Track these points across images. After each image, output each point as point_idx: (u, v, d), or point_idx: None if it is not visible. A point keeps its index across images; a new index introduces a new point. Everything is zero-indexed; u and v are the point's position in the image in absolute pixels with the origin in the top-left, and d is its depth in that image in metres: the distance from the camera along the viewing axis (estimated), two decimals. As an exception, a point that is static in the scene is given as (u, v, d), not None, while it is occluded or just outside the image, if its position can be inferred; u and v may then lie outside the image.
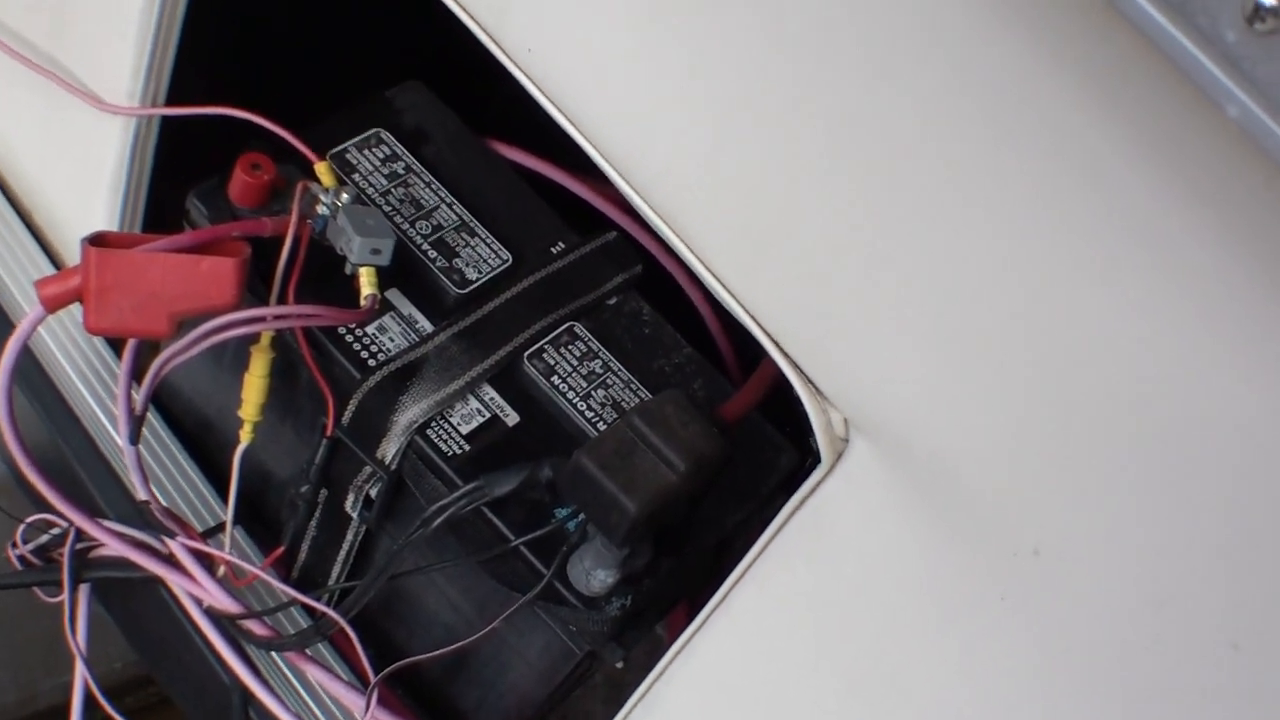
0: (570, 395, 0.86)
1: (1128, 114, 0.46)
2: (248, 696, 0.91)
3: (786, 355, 0.61)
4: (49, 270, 1.06)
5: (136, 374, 0.87)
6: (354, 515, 0.87)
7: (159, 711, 1.22)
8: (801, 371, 0.61)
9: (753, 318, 0.63)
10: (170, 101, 0.90)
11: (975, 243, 0.53)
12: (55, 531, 0.97)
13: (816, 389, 0.60)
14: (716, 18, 0.57)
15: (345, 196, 0.83)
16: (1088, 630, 0.56)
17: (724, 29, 0.57)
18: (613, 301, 0.91)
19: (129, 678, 1.21)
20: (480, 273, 0.88)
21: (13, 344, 0.78)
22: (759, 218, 0.60)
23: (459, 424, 0.83)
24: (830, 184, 0.56)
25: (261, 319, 0.79)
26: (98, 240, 0.77)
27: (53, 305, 0.77)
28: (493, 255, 0.89)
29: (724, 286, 0.63)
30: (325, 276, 0.83)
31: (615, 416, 0.86)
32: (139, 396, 0.82)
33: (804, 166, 0.57)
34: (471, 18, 0.67)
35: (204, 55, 0.89)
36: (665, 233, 0.65)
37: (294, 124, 0.86)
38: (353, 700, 0.89)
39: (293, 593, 0.85)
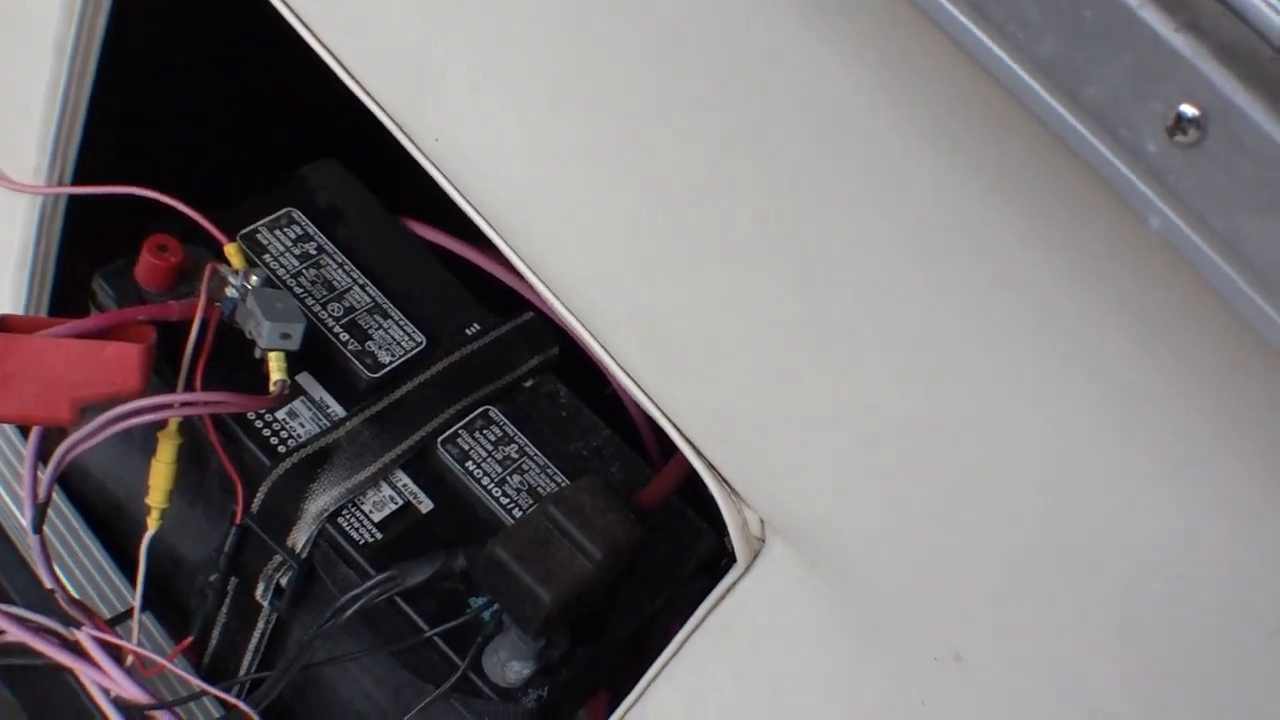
0: (485, 481, 0.83)
1: (1049, 222, 0.45)
2: (155, 787, 0.88)
3: (700, 453, 0.59)
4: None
5: (43, 457, 0.83)
6: (265, 604, 0.83)
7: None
8: (715, 470, 0.59)
9: (665, 415, 0.60)
10: (77, 180, 0.86)
11: (887, 350, 0.51)
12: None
13: (731, 488, 0.58)
14: (626, 113, 0.55)
15: (255, 279, 0.80)
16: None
17: (631, 125, 0.55)
18: (529, 384, 0.89)
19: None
20: (393, 356, 0.86)
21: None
22: (671, 317, 0.58)
23: (371, 511, 0.80)
24: (742, 287, 0.54)
25: (168, 405, 0.76)
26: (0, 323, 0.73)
27: (-48, 393, 0.73)
28: (406, 338, 0.87)
29: (635, 382, 0.61)
30: (235, 359, 0.80)
31: (531, 503, 0.83)
32: (43, 483, 0.79)
33: (716, 268, 0.54)
34: (379, 105, 0.65)
35: (112, 134, 0.86)
36: (575, 327, 0.63)
37: (206, 203, 0.84)
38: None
39: (202, 685, 0.81)
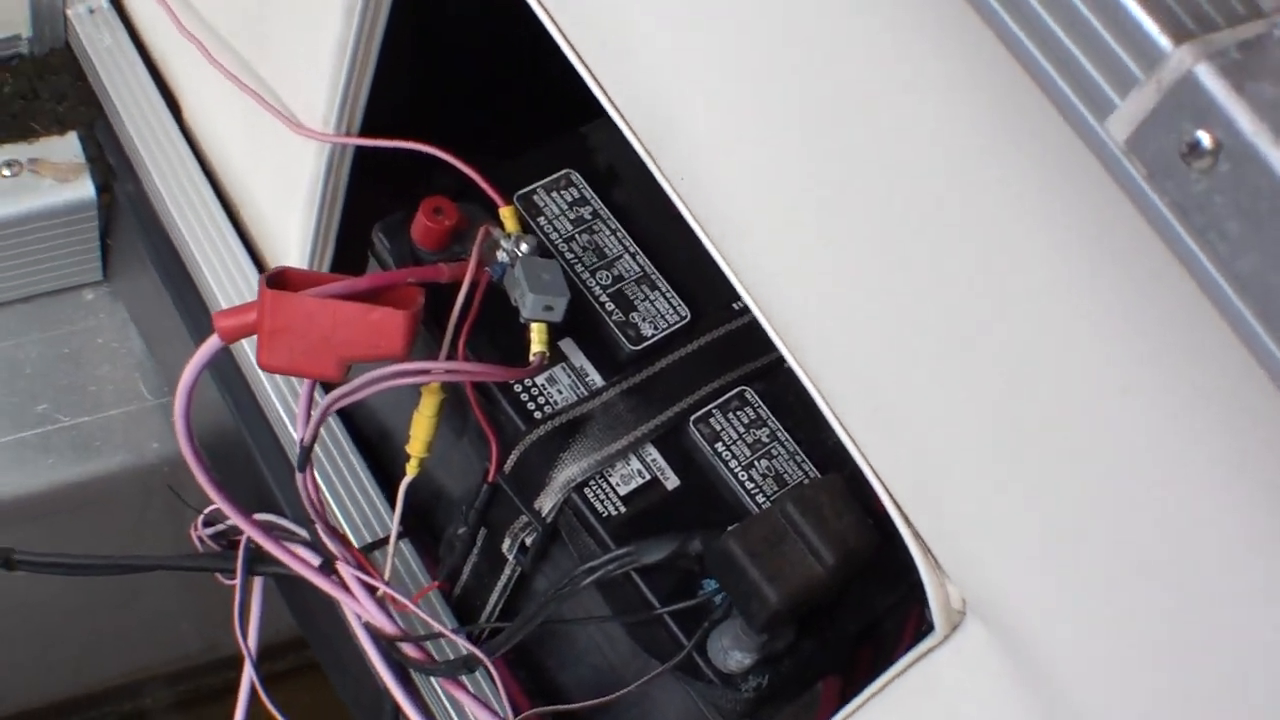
0: (733, 464, 0.88)
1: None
2: (398, 708, 0.97)
3: (906, 519, 0.63)
4: (248, 266, 1.12)
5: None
6: (509, 558, 0.91)
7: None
8: (922, 542, 0.62)
9: (873, 469, 0.64)
10: (364, 131, 0.94)
11: (1120, 456, 0.53)
12: (233, 523, 1.04)
13: (935, 560, 0.62)
14: (879, 177, 0.58)
15: (525, 247, 0.86)
16: None
17: (885, 191, 0.58)
18: (788, 366, 0.93)
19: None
20: (656, 329, 0.91)
21: (189, 370, 0.82)
22: (898, 387, 0.61)
23: (618, 484, 0.86)
24: (977, 369, 0.57)
25: (428, 371, 0.83)
26: (275, 279, 0.81)
27: (229, 337, 0.81)
28: (671, 311, 0.92)
29: (848, 433, 0.65)
30: (501, 321, 0.87)
31: (776, 489, 0.88)
32: (307, 429, 0.87)
33: (953, 345, 0.57)
34: (635, 134, 0.69)
35: (397, 88, 0.93)
36: (803, 378, 0.67)
37: (487, 156, 0.89)
38: (495, 729, 0.93)
39: (445, 631, 0.89)
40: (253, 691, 1.03)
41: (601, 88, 0.71)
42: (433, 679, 0.96)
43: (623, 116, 0.70)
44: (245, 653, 1.00)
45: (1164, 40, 0.38)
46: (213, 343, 0.83)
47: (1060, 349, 0.52)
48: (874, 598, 0.87)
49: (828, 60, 0.57)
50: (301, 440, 0.88)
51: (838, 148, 0.58)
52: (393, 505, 1.01)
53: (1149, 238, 0.41)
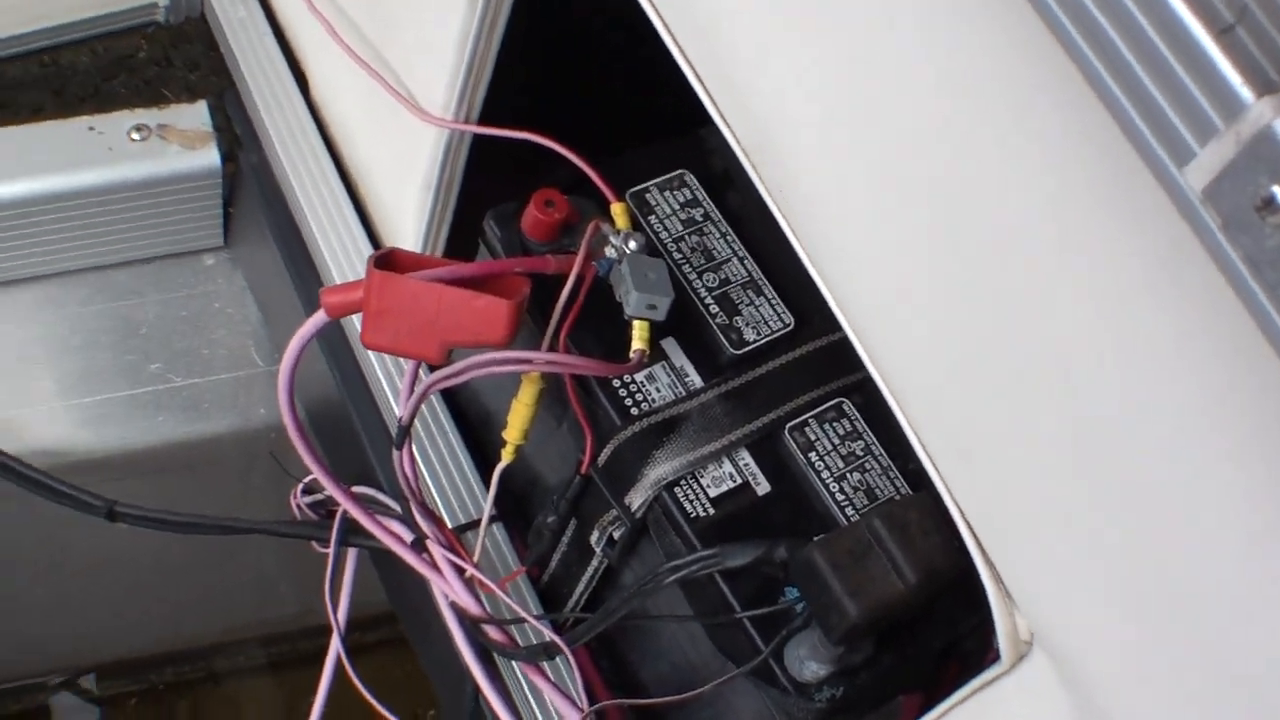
0: (825, 475, 0.89)
1: None
2: (479, 687, 0.99)
3: (980, 545, 0.64)
4: (364, 242, 1.15)
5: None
6: (597, 550, 0.93)
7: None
8: (994, 569, 0.63)
9: (950, 492, 0.65)
10: (482, 119, 0.96)
11: (1192, 505, 0.53)
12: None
13: (1005, 590, 0.63)
14: (978, 232, 0.59)
15: (633, 244, 0.88)
16: None
17: (992, 221, 0.59)
18: (887, 381, 0.94)
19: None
20: (759, 334, 0.93)
21: (295, 341, 0.85)
22: (981, 419, 0.62)
23: (708, 485, 0.88)
24: (1058, 409, 0.57)
25: (529, 360, 0.85)
26: (384, 260, 0.84)
27: (334, 314, 0.84)
28: (775, 317, 0.93)
29: (935, 468, 0.66)
30: (604, 315, 0.89)
31: (867, 503, 0.89)
32: (406, 407, 0.90)
33: (1038, 385, 0.58)
34: (738, 142, 0.71)
35: (518, 78, 0.95)
36: (887, 397, 0.68)
37: (601, 151, 0.92)
38: (572, 717, 0.95)
39: (529, 617, 0.92)
40: (339, 661, 1.06)
41: (707, 92, 0.73)
42: (514, 663, 0.98)
43: (727, 123, 0.72)
44: (333, 622, 1.03)
45: (1246, 92, 0.39)
46: (319, 317, 0.86)
47: (1139, 394, 0.53)
48: (959, 616, 0.88)
49: (930, 94, 0.59)
50: (401, 418, 0.90)
51: (937, 182, 0.60)
52: (488, 488, 1.03)
53: (1222, 288, 0.42)
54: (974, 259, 0.59)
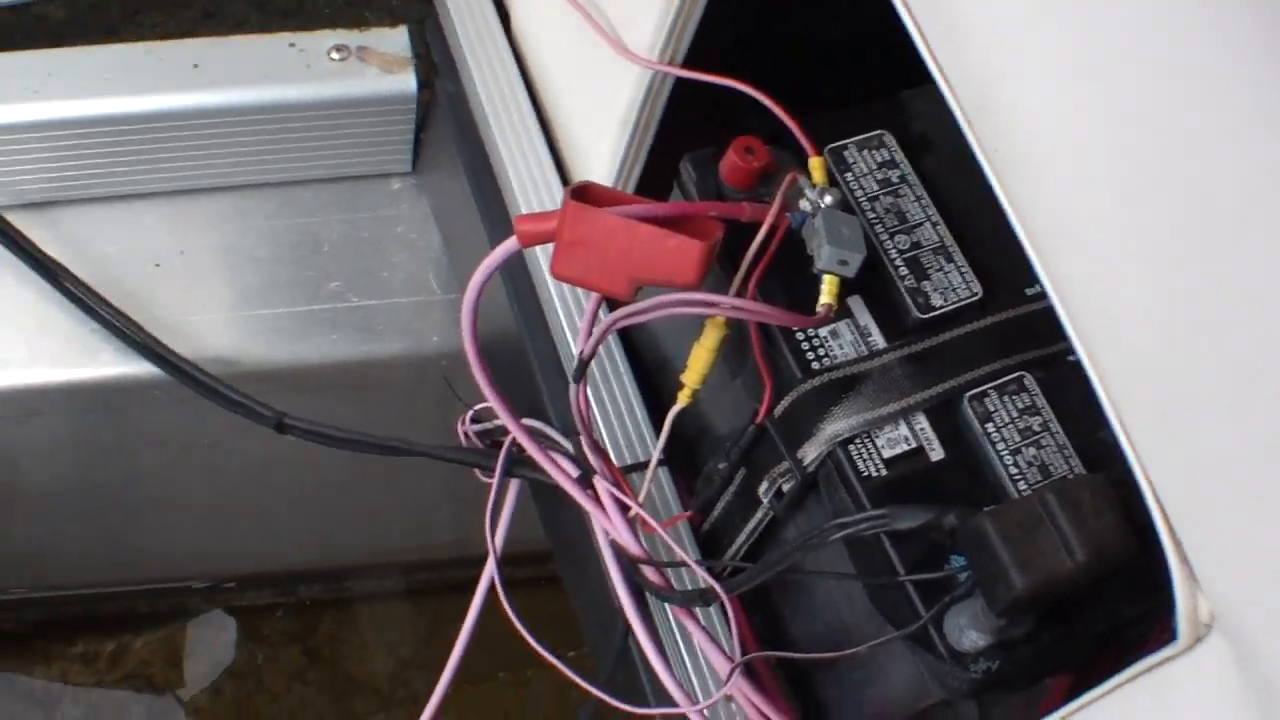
0: (1000, 446, 0.89)
1: None
2: (630, 628, 1.01)
3: (1172, 529, 0.64)
4: (555, 187, 1.16)
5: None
6: (764, 501, 0.94)
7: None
8: (1181, 551, 0.63)
9: (1150, 483, 0.65)
10: (686, 63, 0.97)
11: None
12: (501, 422, 1.09)
13: (1190, 570, 0.63)
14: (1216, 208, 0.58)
15: (829, 199, 0.89)
16: None
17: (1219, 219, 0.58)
18: (1073, 359, 0.94)
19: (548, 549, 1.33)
20: (946, 301, 0.93)
21: (483, 267, 0.87)
22: (1191, 400, 0.61)
23: (883, 446, 0.88)
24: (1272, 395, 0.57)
25: (716, 305, 0.86)
26: (579, 193, 0.85)
27: (526, 242, 0.86)
28: (963, 285, 0.93)
29: (1132, 446, 0.66)
30: (793, 268, 0.89)
31: (1040, 479, 0.89)
32: (589, 342, 0.91)
33: (1257, 371, 0.58)
34: (956, 100, 0.71)
35: (726, 24, 0.95)
36: (1090, 373, 0.68)
37: (800, 106, 0.92)
38: (722, 666, 0.97)
39: (689, 560, 0.93)
40: (489, 589, 1.08)
41: (927, 44, 0.72)
42: (668, 606, 0.99)
43: (945, 78, 0.71)
44: (491, 548, 1.05)
45: None
46: (510, 244, 0.87)
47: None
48: (1122, 603, 0.87)
49: (1180, 45, 0.58)
50: (581, 352, 0.92)
51: (1187, 143, 0.59)
52: (657, 431, 1.05)
53: None
54: (1216, 229, 0.58)
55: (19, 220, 1.33)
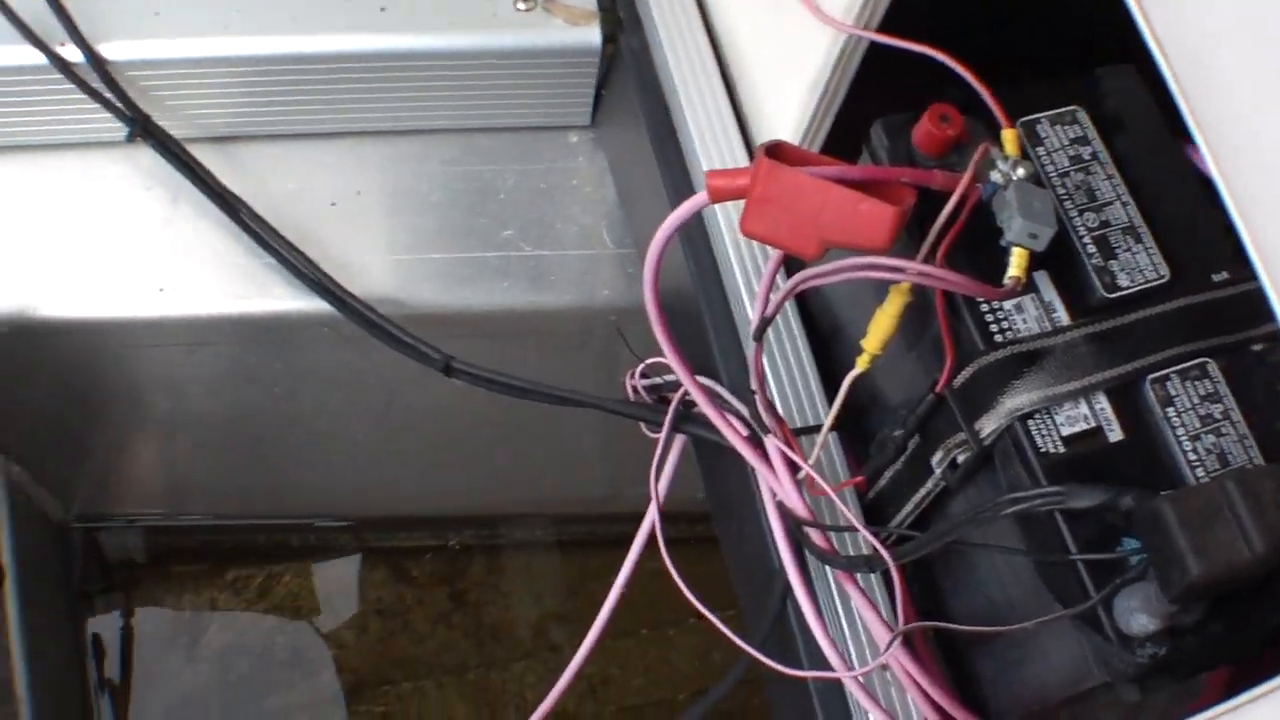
0: (1180, 432, 0.89)
1: None
2: (789, 589, 1.02)
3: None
4: (736, 146, 1.17)
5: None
6: (936, 471, 0.94)
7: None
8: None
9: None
10: (881, 28, 0.97)
11: None
12: (670, 378, 1.10)
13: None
14: None
15: (1021, 171, 0.89)
16: None
17: None
18: (1257, 349, 0.93)
19: (704, 511, 1.34)
20: (1132, 281, 0.92)
21: (672, 218, 0.88)
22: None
23: (1062, 424, 0.88)
24: None
25: (903, 270, 0.87)
26: (773, 151, 0.86)
27: (716, 197, 0.87)
28: (1150, 267, 0.93)
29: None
30: (980, 240, 0.90)
31: (1218, 468, 0.88)
32: (773, 300, 0.92)
33: None
34: (1170, 68, 0.71)
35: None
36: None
37: (993, 78, 0.92)
38: (880, 634, 0.97)
39: (858, 524, 0.94)
40: (645, 543, 1.09)
41: (1143, 10, 0.72)
42: (828, 570, 1.00)
43: (1160, 45, 0.71)
44: (654, 501, 1.07)
45: None
46: (699, 199, 0.88)
47: None
48: (1299, 600, 0.87)
49: None
50: (764, 312, 0.93)
51: None
52: (828, 396, 1.06)
53: None
54: None
55: (201, 153, 1.36)
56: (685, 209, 0.89)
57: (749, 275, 1.11)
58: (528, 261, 1.39)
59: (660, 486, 1.08)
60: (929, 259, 0.89)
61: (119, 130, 1.34)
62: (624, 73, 1.34)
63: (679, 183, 1.20)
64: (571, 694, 1.21)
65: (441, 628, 1.90)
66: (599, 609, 1.13)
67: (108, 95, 1.32)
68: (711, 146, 1.18)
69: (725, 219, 1.13)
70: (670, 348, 0.96)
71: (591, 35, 1.34)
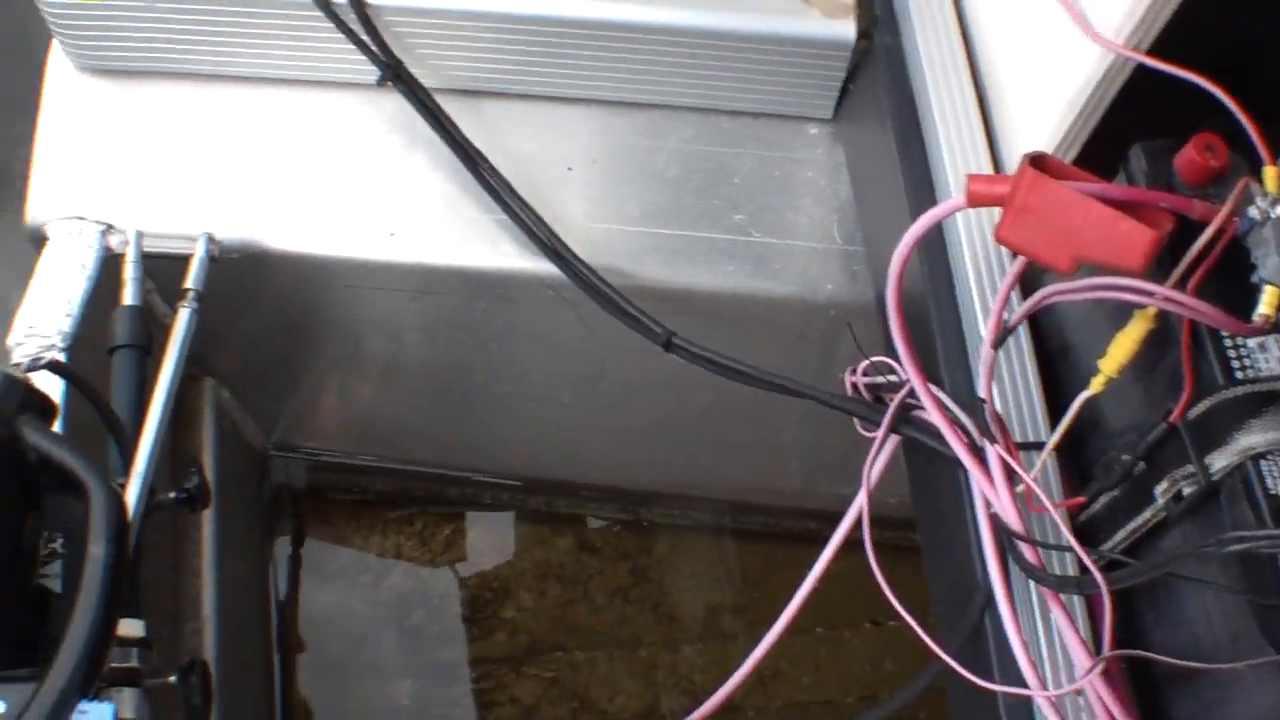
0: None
1: None
2: (989, 602, 1.02)
3: None
4: (982, 154, 1.18)
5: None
6: (1159, 500, 0.94)
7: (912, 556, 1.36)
8: None
9: None
10: (1151, 51, 0.97)
11: None
12: (892, 379, 1.11)
13: None
14: None
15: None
16: None
17: None
18: None
19: (900, 517, 1.34)
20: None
21: (927, 217, 0.90)
22: None
23: (1293, 468, 0.88)
24: None
25: (1152, 294, 0.87)
26: (1038, 161, 0.87)
27: (974, 202, 0.88)
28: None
29: None
30: (1230, 274, 0.89)
31: None
32: (1017, 311, 0.93)
33: None
34: None
35: (1204, 18, 0.95)
36: None
37: (1263, 114, 0.92)
38: (1080, 658, 0.97)
39: (1074, 543, 0.94)
40: (844, 540, 1.10)
41: None
42: (1034, 586, 1.01)
43: None
44: (865, 500, 1.08)
45: None
46: (955, 201, 0.90)
47: None
48: None
49: None
50: (1006, 320, 0.94)
51: None
52: (1051, 413, 1.06)
53: None
54: None
55: (447, 104, 1.39)
56: (940, 210, 0.90)
57: (984, 285, 1.12)
58: (755, 248, 1.40)
59: (872, 485, 1.09)
60: (1179, 287, 0.89)
61: (370, 73, 1.39)
62: (873, 70, 1.35)
63: (920, 185, 1.21)
64: (740, 684, 1.22)
65: (619, 601, 1.93)
66: (774, 602, 1.14)
67: (364, 37, 1.36)
68: (959, 153, 1.18)
69: (965, 227, 1.14)
70: (906, 349, 0.98)
71: (846, 29, 1.36)
